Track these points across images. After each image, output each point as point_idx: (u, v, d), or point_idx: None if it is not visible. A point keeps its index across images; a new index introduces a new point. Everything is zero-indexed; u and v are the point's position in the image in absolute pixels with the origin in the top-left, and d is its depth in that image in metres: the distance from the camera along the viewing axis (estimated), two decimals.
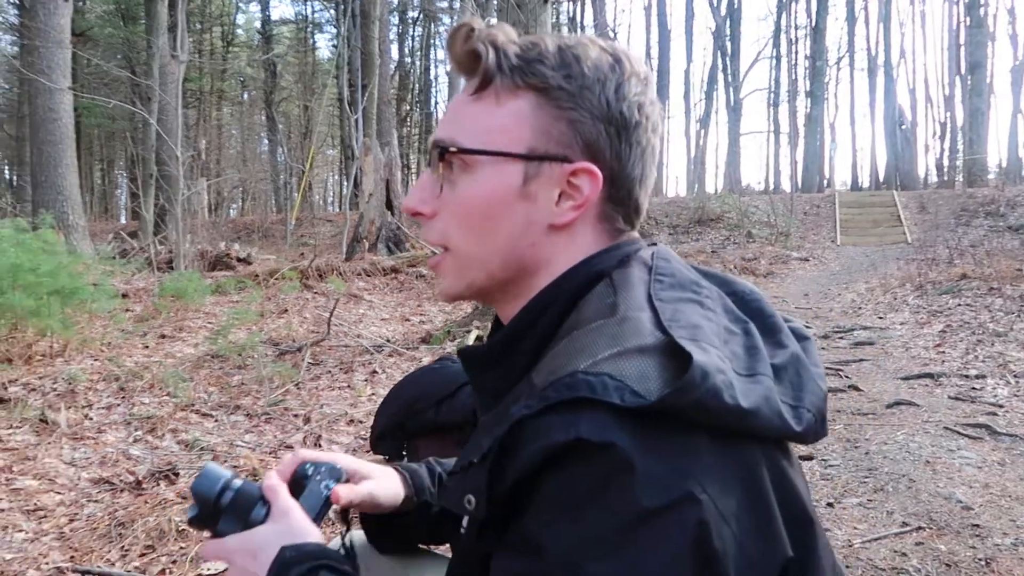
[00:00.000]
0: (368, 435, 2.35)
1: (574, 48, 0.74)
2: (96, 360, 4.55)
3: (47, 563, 2.29)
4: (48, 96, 10.45)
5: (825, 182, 28.45)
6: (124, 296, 6.50)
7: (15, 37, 21.41)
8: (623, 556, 0.56)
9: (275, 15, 37.76)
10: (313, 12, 32.58)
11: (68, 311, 4.86)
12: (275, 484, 0.85)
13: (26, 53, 12.22)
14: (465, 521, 0.76)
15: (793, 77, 35.37)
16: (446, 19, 29.64)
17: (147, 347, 5.15)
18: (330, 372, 4.61)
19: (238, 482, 0.86)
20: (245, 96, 34.08)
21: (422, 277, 8.29)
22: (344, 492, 0.91)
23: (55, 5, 10.56)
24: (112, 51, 24.43)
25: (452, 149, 0.75)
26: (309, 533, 0.81)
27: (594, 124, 0.74)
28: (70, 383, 3.92)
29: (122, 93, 18.29)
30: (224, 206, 26.91)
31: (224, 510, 0.84)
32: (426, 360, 4.69)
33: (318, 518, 0.86)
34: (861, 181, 34.70)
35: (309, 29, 32.58)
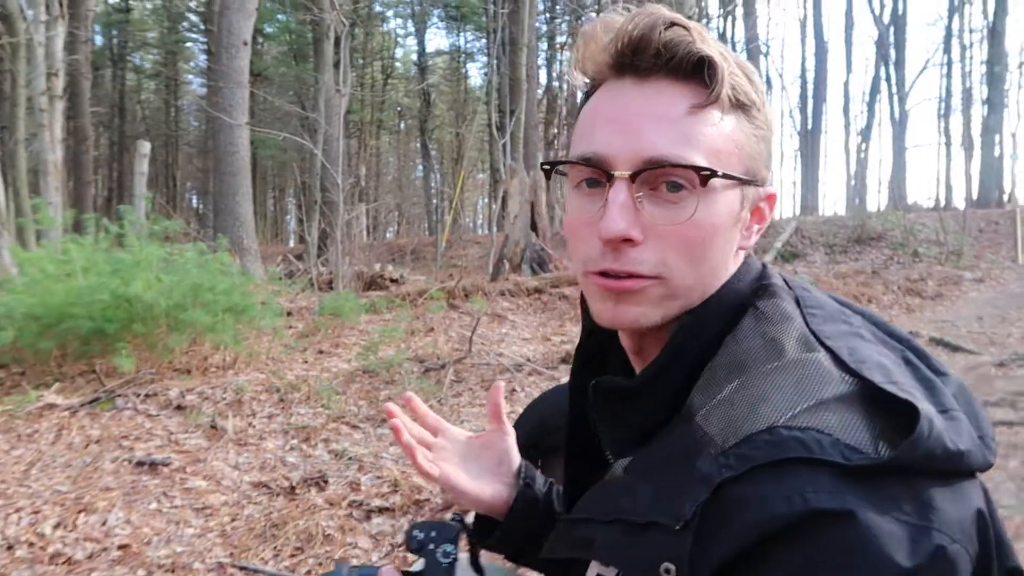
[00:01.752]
0: None
1: (740, 60, 0.71)
2: (261, 373, 4.93)
3: (211, 557, 2.52)
4: (229, 132, 11.49)
5: (1005, 197, 25.99)
6: (288, 314, 6.99)
7: (204, 80, 23.74)
8: None
9: (430, 47, 39.54)
10: (466, 42, 33.85)
11: (239, 327, 5.31)
12: None
13: (211, 93, 13.54)
14: None
15: (967, 85, 32.71)
16: None
17: (306, 362, 5.52)
18: (471, 389, 4.76)
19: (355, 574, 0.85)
20: (402, 125, 35.86)
21: (564, 298, 8.36)
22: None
23: (236, 49, 11.62)
24: (285, 88, 26.50)
25: (719, 173, 0.67)
26: None
27: (770, 143, 0.73)
28: (237, 393, 4.28)
29: (292, 126, 19.76)
30: (381, 229, 28.39)
31: None
32: (565, 379, 4.73)
33: None
34: None
35: (462, 58, 33.87)
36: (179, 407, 4.06)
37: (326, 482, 3.15)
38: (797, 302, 0.70)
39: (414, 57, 34.00)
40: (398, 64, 35.17)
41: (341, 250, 10.36)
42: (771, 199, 0.74)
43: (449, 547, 0.88)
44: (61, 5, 10.44)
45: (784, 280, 0.75)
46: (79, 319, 4.42)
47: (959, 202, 25.55)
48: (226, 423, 3.82)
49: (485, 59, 27.53)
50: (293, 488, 3.11)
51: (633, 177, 0.67)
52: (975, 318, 8.44)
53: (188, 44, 30.79)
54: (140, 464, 3.27)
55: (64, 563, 2.41)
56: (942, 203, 28.08)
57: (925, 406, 0.57)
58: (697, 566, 0.56)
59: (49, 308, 4.53)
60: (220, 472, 3.24)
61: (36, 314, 4.54)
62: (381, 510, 2.87)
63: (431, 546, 0.88)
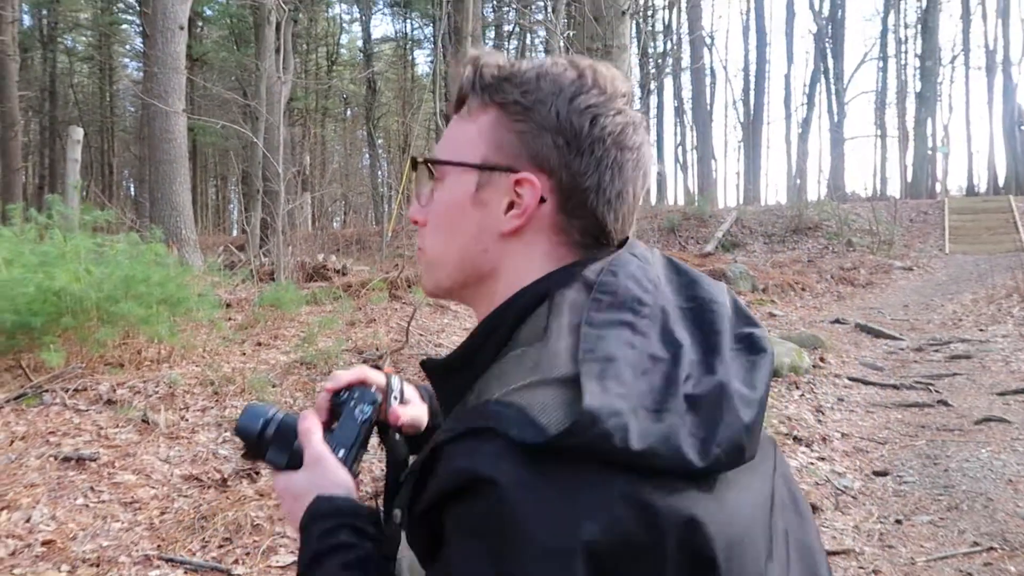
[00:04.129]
0: None
1: (545, 68, 0.79)
2: (197, 365, 4.88)
3: (137, 551, 2.51)
4: (164, 118, 11.20)
5: (936, 187, 26.95)
6: (228, 305, 6.91)
7: (140, 64, 23.07)
8: None
9: (376, 33, 39.16)
10: (412, 29, 33.55)
11: (175, 319, 5.22)
12: (308, 426, 0.88)
13: (146, 79, 13.17)
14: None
15: (902, 78, 33.77)
16: (541, 32, 29.88)
17: (244, 354, 5.47)
18: (408, 380, 4.79)
19: (280, 415, 0.92)
20: (348, 113, 35.40)
21: None
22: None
23: (172, 33, 11.33)
24: (226, 74, 25.91)
25: (419, 160, 0.85)
26: (340, 484, 0.83)
27: (542, 135, 0.77)
28: (170, 387, 4.23)
29: (233, 113, 19.35)
30: (327, 219, 28.00)
31: (269, 441, 0.90)
32: None
33: (354, 445, 0.88)
34: (978, 186, 32.75)
35: (408, 46, 33.55)
36: (109, 401, 4.00)
37: (258, 474, 3.16)
38: (592, 289, 0.73)
39: (359, 43, 33.61)
40: (343, 51, 34.69)
41: (283, 240, 10.23)
42: (530, 184, 0.77)
43: (367, 407, 0.91)
44: None
45: (606, 266, 0.76)
46: (2, 313, 4.30)
47: (895, 192, 26.39)
48: (157, 417, 3.78)
49: (432, 46, 27.32)
50: (225, 480, 3.11)
51: (414, 168, 0.87)
52: (901, 305, 8.79)
53: (123, 26, 29.84)
54: (67, 460, 3.23)
55: None
56: (877, 194, 28.96)
57: (601, 401, 0.60)
58: (412, 512, 0.67)
59: None
60: (150, 466, 3.22)
61: None
62: None
63: (351, 404, 0.91)
